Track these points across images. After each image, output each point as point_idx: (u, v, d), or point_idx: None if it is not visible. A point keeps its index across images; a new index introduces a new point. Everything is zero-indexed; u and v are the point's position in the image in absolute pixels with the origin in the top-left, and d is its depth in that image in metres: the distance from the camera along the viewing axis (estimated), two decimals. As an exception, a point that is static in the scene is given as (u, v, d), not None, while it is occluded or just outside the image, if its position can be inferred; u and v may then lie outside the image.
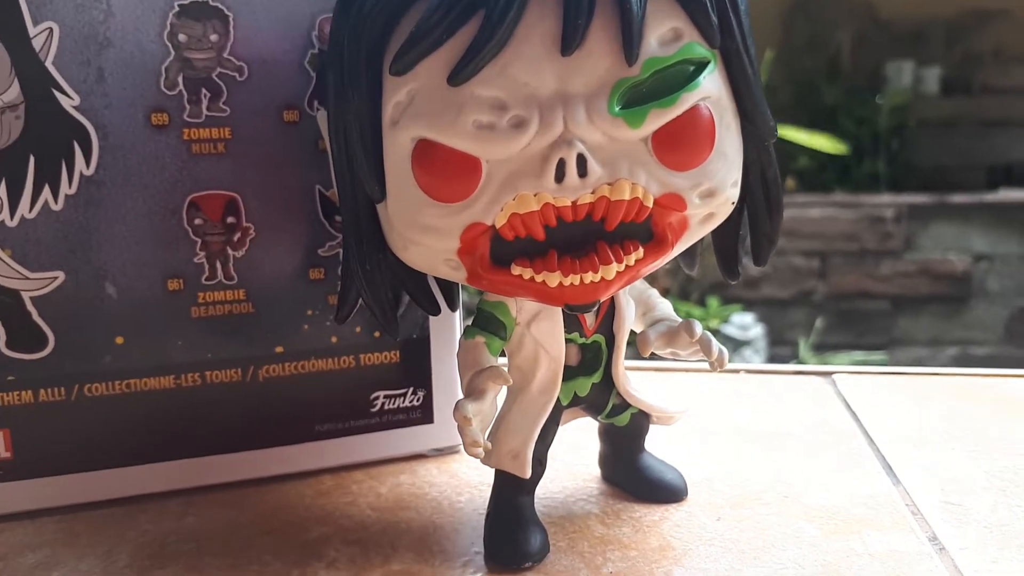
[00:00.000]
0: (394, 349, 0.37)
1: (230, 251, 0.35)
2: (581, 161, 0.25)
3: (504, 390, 0.29)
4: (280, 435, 0.37)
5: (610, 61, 0.25)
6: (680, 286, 2.11)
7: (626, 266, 0.27)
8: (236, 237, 0.35)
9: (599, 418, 0.34)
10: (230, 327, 0.35)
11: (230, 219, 0.35)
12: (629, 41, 0.24)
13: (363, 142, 0.27)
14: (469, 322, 0.31)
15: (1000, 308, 2.48)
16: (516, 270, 0.26)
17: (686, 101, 0.25)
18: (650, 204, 0.26)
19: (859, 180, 2.65)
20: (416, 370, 0.38)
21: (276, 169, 0.35)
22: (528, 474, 0.30)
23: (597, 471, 0.36)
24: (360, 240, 0.28)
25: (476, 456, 0.28)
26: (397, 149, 0.26)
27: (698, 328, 0.30)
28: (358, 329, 0.37)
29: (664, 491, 0.34)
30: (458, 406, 0.27)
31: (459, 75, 0.25)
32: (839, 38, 2.69)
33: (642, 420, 0.34)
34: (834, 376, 0.49)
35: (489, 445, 0.29)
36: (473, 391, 0.28)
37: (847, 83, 2.67)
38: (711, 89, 0.26)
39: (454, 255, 0.27)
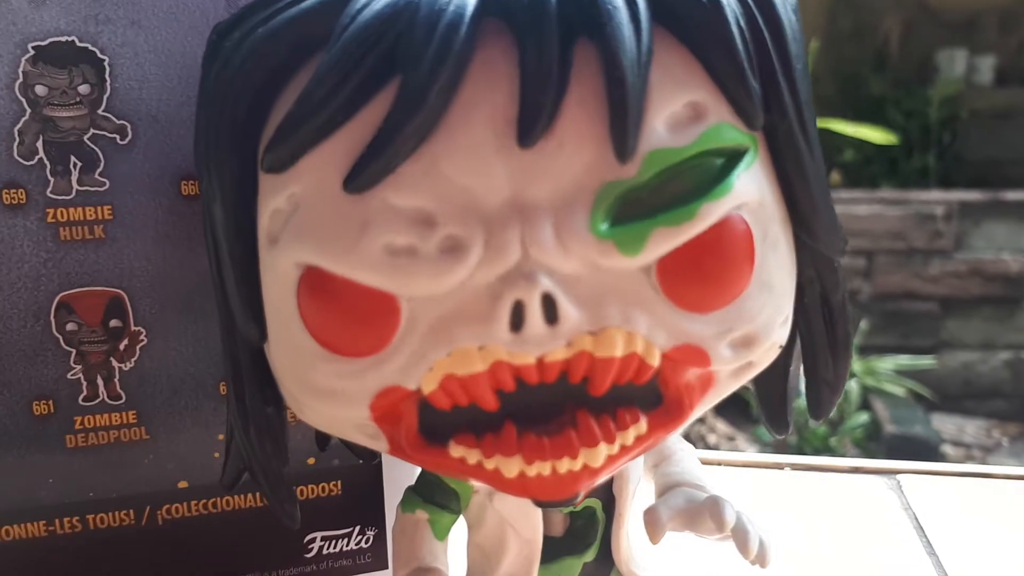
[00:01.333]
0: (336, 478, 0.29)
1: (115, 363, 0.27)
2: (549, 304, 0.16)
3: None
4: (187, 590, 0.29)
5: (592, 154, 0.16)
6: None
7: (621, 447, 0.18)
8: (122, 345, 0.27)
9: (595, 601, 0.25)
10: (118, 458, 0.27)
11: (113, 322, 0.27)
12: (621, 126, 0.16)
13: (232, 262, 0.19)
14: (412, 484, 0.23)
15: (1056, 310, 2.35)
16: (456, 451, 0.18)
17: (710, 213, 0.17)
18: (655, 362, 0.17)
19: (907, 175, 2.53)
20: (364, 504, 0.30)
21: (173, 256, 0.27)
22: None
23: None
24: (240, 392, 0.20)
25: None
26: (278, 277, 0.18)
27: (729, 515, 0.21)
28: (286, 457, 0.29)
29: None
30: (379, 633, 0.19)
31: (361, 176, 0.16)
32: (887, 26, 2.55)
33: (651, 599, 0.25)
34: (900, 478, 0.40)
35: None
36: (405, 604, 0.20)
37: (895, 73, 2.54)
38: (749, 192, 0.17)
39: (368, 422, 0.18)
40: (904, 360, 2.18)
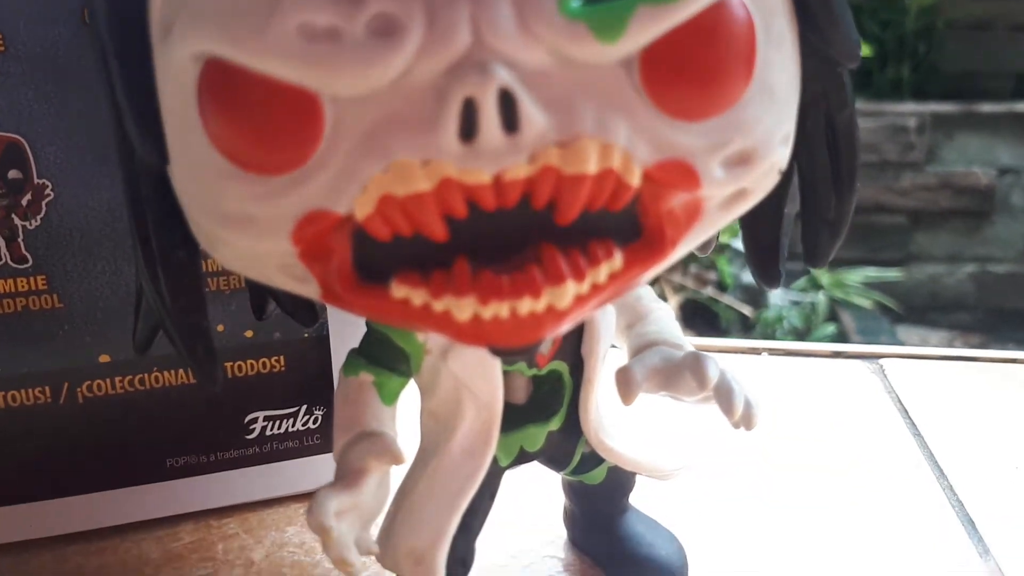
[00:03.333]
0: (279, 353, 0.26)
1: (17, 221, 0.23)
2: (507, 103, 0.13)
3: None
4: (116, 474, 0.26)
5: None
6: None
7: (592, 285, 0.15)
8: (25, 200, 0.23)
9: (562, 474, 0.23)
10: (29, 328, 0.24)
11: (13, 173, 0.23)
12: None
13: (120, 65, 0.15)
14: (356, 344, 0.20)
15: (1023, 225, 2.37)
16: (399, 291, 0.15)
17: (700, -9, 0.13)
18: (634, 181, 0.14)
19: (881, 87, 2.50)
20: (312, 381, 0.27)
21: (78, 97, 0.23)
22: (438, 586, 0.19)
23: (562, 527, 0.26)
24: (144, 233, 0.17)
25: None
26: (174, 77, 0.15)
27: (712, 371, 0.19)
28: (220, 327, 0.26)
29: (651, 573, 0.24)
30: (314, 504, 0.17)
31: (271, -62, 0.13)
32: (866, -70, 2.48)
33: (624, 474, 0.23)
34: (882, 362, 0.38)
35: (373, 550, 0.18)
36: (345, 474, 0.18)
37: (873, -20, 2.48)
38: (751, -31, 0.14)
39: (294, 259, 0.15)
40: (871, 272, 2.19)
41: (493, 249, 0.15)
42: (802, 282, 2.19)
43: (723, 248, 2.11)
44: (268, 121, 0.14)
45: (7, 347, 0.24)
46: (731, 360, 0.38)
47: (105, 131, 0.23)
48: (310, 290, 0.16)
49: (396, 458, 0.17)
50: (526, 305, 0.15)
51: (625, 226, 0.15)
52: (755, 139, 0.15)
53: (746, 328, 1.90)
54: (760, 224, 0.19)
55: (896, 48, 2.45)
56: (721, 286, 1.98)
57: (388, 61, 0.13)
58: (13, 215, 0.23)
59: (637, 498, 0.24)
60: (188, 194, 0.16)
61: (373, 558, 0.20)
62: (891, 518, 0.27)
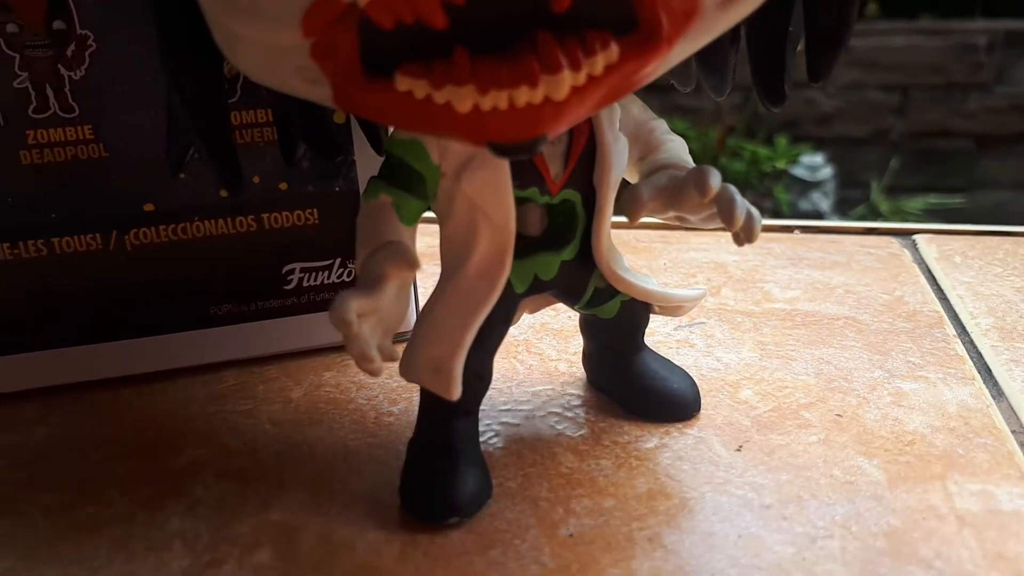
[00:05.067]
0: (312, 206, 0.28)
1: (63, 71, 0.25)
2: None
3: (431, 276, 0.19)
4: (162, 320, 0.28)
5: None
6: (746, 122, 1.94)
7: (588, 76, 0.16)
8: (69, 51, 0.25)
9: (576, 307, 0.24)
10: (78, 178, 0.26)
11: (57, 24, 0.24)
12: None
13: None
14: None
15: (1099, 148, 2.27)
16: (403, 83, 0.16)
17: None
18: (632, -43, 0.15)
19: (950, 4, 2.38)
20: (345, 235, 0.28)
21: (116, -52, 0.24)
22: (455, 394, 0.21)
23: (583, 372, 0.27)
24: (169, 40, 0.18)
25: (371, 374, 0.19)
26: None
27: (714, 180, 0.19)
28: (256, 179, 0.27)
29: (666, 405, 0.25)
30: (336, 302, 0.18)
31: None
32: None
33: (637, 309, 0.24)
34: (915, 238, 0.38)
35: (394, 356, 0.19)
36: (365, 280, 0.19)
37: None
38: None
39: (305, 57, 0.16)
40: (933, 199, 2.13)
41: (492, 40, 0.16)
42: (861, 210, 2.14)
43: (780, 175, 2.08)
44: None
45: (59, 194, 0.26)
46: (762, 238, 0.38)
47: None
48: (322, 92, 0.17)
49: (412, 263, 0.18)
50: (524, 95, 0.16)
51: (623, 19, 0.16)
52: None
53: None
54: (764, 40, 0.19)
55: (966, -39, 2.33)
56: (777, 213, 1.95)
57: None
58: (59, 65, 0.25)
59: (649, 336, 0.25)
60: (205, -7, 0.17)
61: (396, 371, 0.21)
62: (903, 364, 0.27)
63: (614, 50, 0.16)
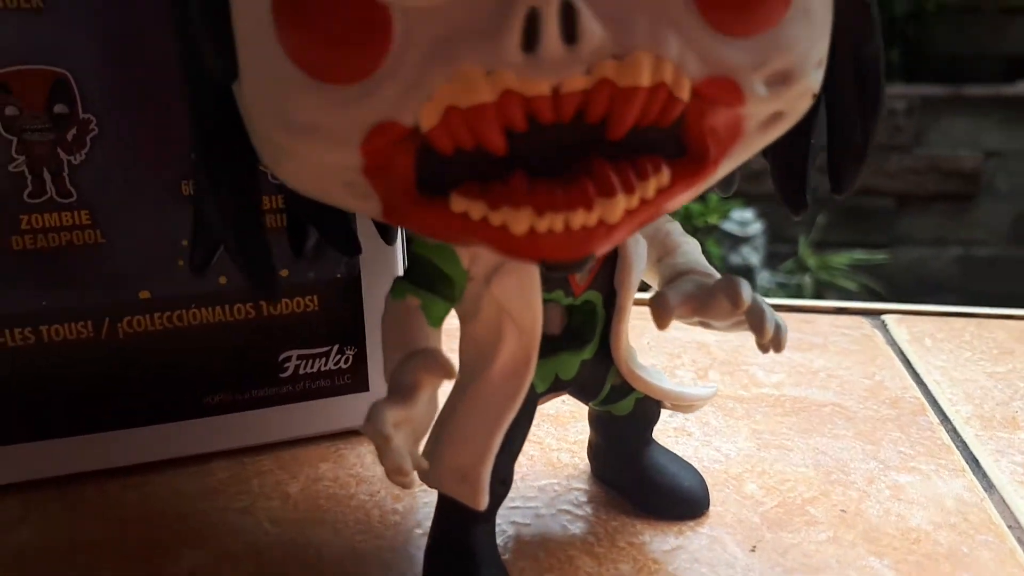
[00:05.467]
0: (312, 293, 0.27)
1: (63, 156, 0.24)
2: (568, 14, 0.14)
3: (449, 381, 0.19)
4: (154, 410, 0.27)
5: None
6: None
7: (641, 200, 0.16)
8: (70, 135, 0.24)
9: (592, 404, 0.24)
10: (72, 264, 0.25)
11: (59, 108, 0.24)
12: None
13: None
14: (401, 271, 0.21)
15: (1007, 207, 2.39)
16: (458, 204, 0.16)
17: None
18: (685, 95, 0.15)
19: (871, 69, 2.51)
20: (343, 321, 0.28)
21: (124, 32, 0.24)
22: (483, 504, 0.20)
23: (586, 463, 0.27)
24: (208, 149, 0.18)
25: (404, 487, 0.18)
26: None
27: (745, 292, 0.20)
28: (257, 267, 0.26)
29: (677, 503, 0.25)
30: (372, 414, 0.17)
31: None
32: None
33: (651, 406, 0.24)
34: (884, 319, 0.40)
35: (423, 466, 0.19)
36: (398, 388, 0.18)
37: (865, -37, 2.49)
38: None
39: (358, 174, 0.16)
40: (859, 255, 2.22)
41: (547, 164, 0.16)
42: (789, 264, 2.21)
43: (712, 230, 2.13)
44: (341, 30, 0.15)
45: (51, 281, 0.25)
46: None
47: (147, 69, 0.24)
48: (371, 207, 0.17)
49: (448, 372, 0.18)
50: (579, 218, 0.16)
51: (670, 143, 0.16)
52: (794, 58, 0.16)
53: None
54: (789, 152, 0.20)
55: (886, 30, 2.45)
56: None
57: None
58: (59, 149, 0.24)
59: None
60: (257, 107, 0.16)
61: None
62: (895, 455, 0.28)
63: (665, 174, 0.16)
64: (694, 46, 0.15)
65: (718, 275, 0.21)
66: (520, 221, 0.16)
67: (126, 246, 0.25)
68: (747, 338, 0.20)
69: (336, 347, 0.28)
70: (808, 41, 0.16)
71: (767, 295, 1.91)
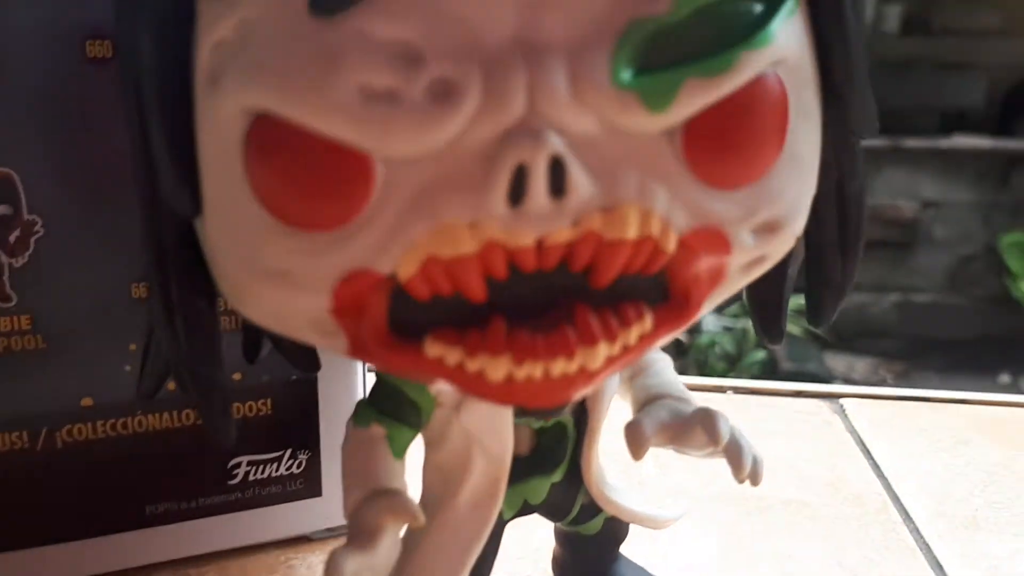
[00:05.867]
0: (266, 396, 0.26)
1: (3, 258, 0.23)
2: (557, 169, 0.14)
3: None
4: (93, 522, 0.25)
5: None
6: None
7: (623, 347, 0.15)
8: (13, 236, 0.23)
9: (560, 524, 0.23)
10: (8, 371, 0.23)
11: (2, 209, 0.22)
12: None
13: (160, 107, 0.15)
14: (363, 394, 0.20)
15: (944, 256, 2.47)
16: (433, 349, 0.15)
17: (748, 65, 0.14)
18: (671, 248, 0.15)
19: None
20: (297, 424, 0.27)
21: (75, 132, 0.22)
22: (448, 645, 0.19)
23: (550, 574, 0.26)
24: (165, 280, 0.16)
25: (363, 635, 0.17)
26: (219, 127, 0.14)
27: (723, 428, 0.19)
28: (209, 371, 0.25)
29: (645, 622, 0.24)
30: (331, 564, 0.16)
31: (334, -4, 0.13)
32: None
33: (620, 525, 0.23)
34: (843, 403, 0.40)
35: (387, 611, 0.18)
36: (359, 533, 0.17)
37: (807, 18, 2.57)
38: (789, 46, 0.15)
39: (326, 314, 0.15)
40: (802, 300, 2.26)
41: (527, 308, 0.15)
42: (735, 308, 2.25)
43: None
44: (318, 179, 0.14)
45: (-15, 389, 0.23)
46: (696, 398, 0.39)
47: (98, 170, 0.23)
48: (336, 344, 0.16)
49: (416, 518, 0.17)
50: (559, 366, 0.15)
51: (654, 289, 0.16)
52: (783, 208, 0.16)
53: (680, 353, 1.92)
54: (765, 284, 0.20)
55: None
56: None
57: (444, 125, 0.13)
58: (1, 252, 0.22)
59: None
60: (222, 247, 0.15)
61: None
62: (862, 560, 0.27)
63: (648, 320, 0.16)
64: (682, 199, 0.14)
65: (691, 398, 0.21)
66: (498, 369, 0.15)
67: (69, 352, 0.24)
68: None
69: (289, 451, 0.27)
70: (797, 189, 0.16)
71: (712, 339, 1.93)
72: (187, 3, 0.14)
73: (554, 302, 0.15)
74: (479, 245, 0.14)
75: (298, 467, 0.27)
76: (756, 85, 0.14)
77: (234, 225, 0.15)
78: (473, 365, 0.15)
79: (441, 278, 0.14)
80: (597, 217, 0.14)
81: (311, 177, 0.14)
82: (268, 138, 0.14)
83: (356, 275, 0.14)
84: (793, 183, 0.15)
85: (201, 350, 0.17)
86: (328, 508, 0.27)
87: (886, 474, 0.33)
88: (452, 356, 0.15)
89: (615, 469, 0.22)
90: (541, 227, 0.14)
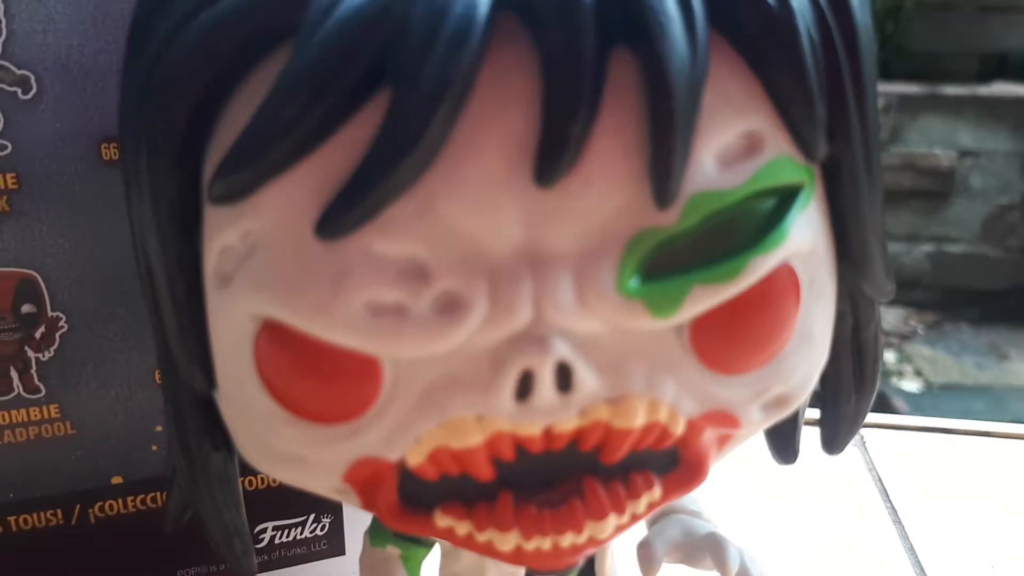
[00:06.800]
0: (288, 466, 0.27)
1: (31, 353, 0.23)
2: (562, 371, 0.14)
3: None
4: (126, 588, 0.26)
5: (625, 195, 0.13)
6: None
7: (631, 515, 0.16)
8: (38, 333, 0.23)
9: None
10: (40, 456, 0.24)
11: (26, 308, 0.23)
12: (665, 165, 0.13)
13: (171, 300, 0.15)
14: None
15: (980, 206, 2.42)
16: (443, 521, 0.15)
17: (758, 268, 0.14)
18: (679, 431, 0.15)
19: (849, 66, 2.51)
20: (320, 490, 0.27)
21: (94, 232, 0.23)
22: None
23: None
24: (185, 438, 0.17)
25: None
26: (230, 324, 0.15)
27: (733, 558, 0.19)
28: (233, 448, 0.26)
29: None
30: None
31: (339, 221, 0.13)
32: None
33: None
34: (863, 432, 0.40)
35: None
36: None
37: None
38: (802, 239, 0.14)
39: (339, 484, 0.16)
40: (833, 252, 2.23)
41: (536, 480, 0.15)
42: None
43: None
44: (327, 380, 0.14)
45: (20, 473, 0.24)
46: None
47: (117, 267, 0.23)
48: (352, 501, 0.16)
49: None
50: (568, 539, 0.15)
51: (663, 458, 0.16)
52: (794, 385, 0.16)
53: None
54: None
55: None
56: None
57: (451, 335, 0.13)
58: (26, 347, 0.23)
59: None
60: (236, 426, 0.16)
61: None
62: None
63: (657, 489, 0.16)
64: (691, 388, 0.15)
65: (705, 508, 0.21)
66: (506, 542, 0.15)
67: (98, 436, 0.24)
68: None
69: (313, 516, 0.27)
70: (808, 366, 0.16)
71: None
72: (193, 206, 0.14)
73: (564, 473, 0.15)
74: (486, 436, 0.14)
75: (322, 529, 0.28)
76: (768, 280, 0.14)
77: (247, 410, 0.15)
78: (482, 537, 0.15)
79: (449, 463, 0.15)
80: (604, 408, 0.14)
81: (320, 378, 0.14)
82: (277, 341, 0.14)
83: (366, 462, 0.15)
84: (804, 361, 0.15)
85: (221, 498, 0.18)
86: (351, 565, 0.28)
87: (908, 532, 0.34)
88: (461, 528, 0.15)
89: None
90: (547, 418, 0.14)
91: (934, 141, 2.37)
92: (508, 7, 0.12)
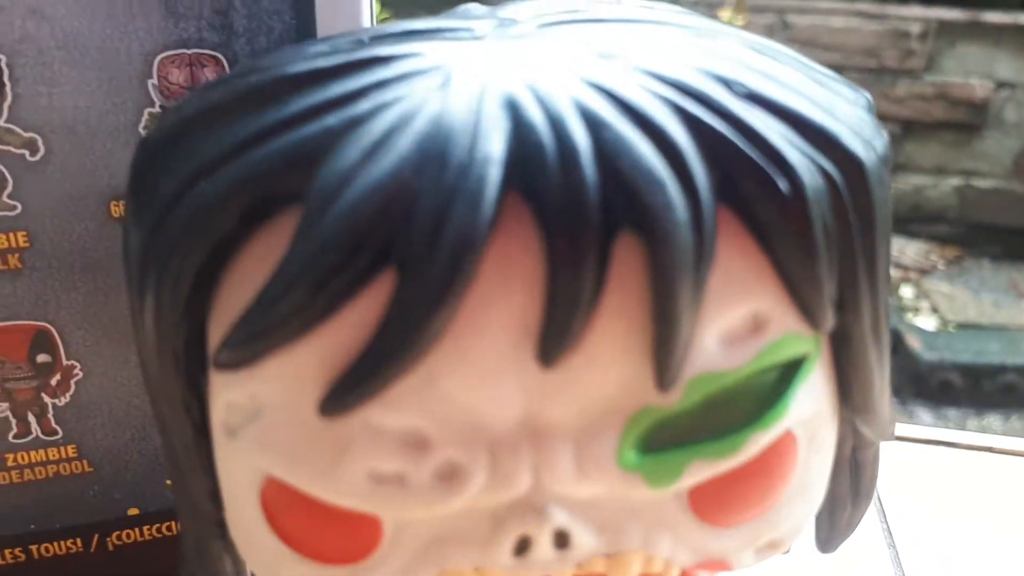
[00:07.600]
0: (299, 495, 0.27)
1: (47, 399, 0.24)
2: (561, 535, 0.14)
3: None
4: (145, 607, 0.27)
5: (626, 373, 0.13)
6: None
7: None
8: (54, 381, 0.24)
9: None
10: (59, 492, 0.25)
11: (41, 358, 0.23)
12: (666, 350, 0.13)
13: (180, 434, 0.15)
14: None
15: (1013, 141, 2.36)
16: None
17: (757, 442, 0.14)
18: (674, 577, 0.15)
19: (889, -12, 2.42)
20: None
21: (105, 284, 0.23)
22: None
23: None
24: (194, 516, 0.17)
25: None
26: (237, 472, 0.15)
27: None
28: (245, 482, 0.26)
29: None
30: None
31: (343, 400, 0.13)
32: None
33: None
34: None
35: None
36: None
37: None
38: (804, 410, 0.14)
39: None
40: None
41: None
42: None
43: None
44: (330, 531, 0.14)
45: (40, 507, 0.25)
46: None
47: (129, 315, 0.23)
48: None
49: None
50: None
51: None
52: (787, 530, 0.16)
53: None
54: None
55: (906, -51, 2.36)
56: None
57: (450, 501, 0.14)
58: (43, 394, 0.24)
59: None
60: (246, 555, 0.16)
61: None
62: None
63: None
64: (686, 541, 0.15)
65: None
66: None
67: (114, 473, 0.25)
68: None
69: None
70: (802, 513, 0.16)
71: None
72: (198, 355, 0.14)
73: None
74: (484, 582, 0.15)
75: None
76: (769, 451, 0.14)
77: (254, 544, 0.15)
78: None
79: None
80: (600, 561, 0.15)
81: (323, 529, 0.14)
82: (282, 495, 0.14)
83: None
84: (799, 509, 0.16)
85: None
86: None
87: (897, 544, 0.34)
88: None
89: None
90: (544, 571, 0.14)
91: (970, 71, 2.30)
92: (513, 185, 0.12)
